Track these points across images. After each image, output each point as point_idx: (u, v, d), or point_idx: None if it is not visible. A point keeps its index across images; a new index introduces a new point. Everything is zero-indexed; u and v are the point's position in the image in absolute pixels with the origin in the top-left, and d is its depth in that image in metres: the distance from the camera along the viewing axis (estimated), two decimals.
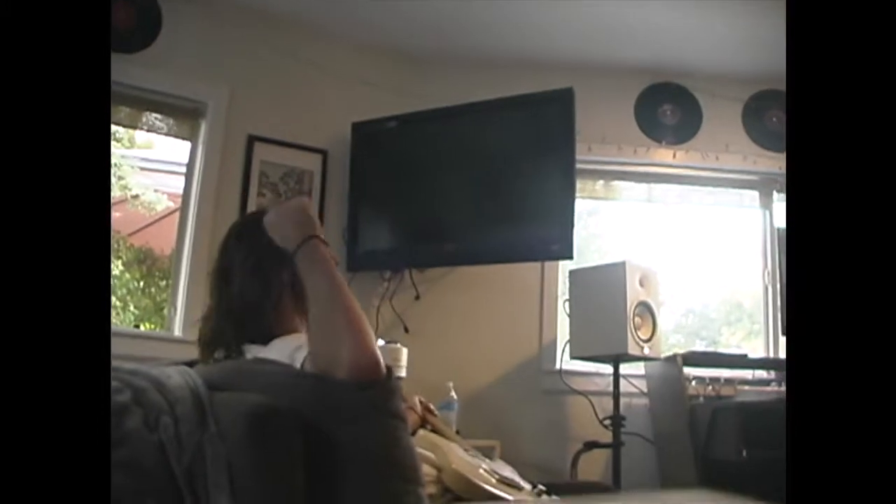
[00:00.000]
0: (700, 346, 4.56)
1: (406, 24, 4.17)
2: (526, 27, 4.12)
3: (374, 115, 4.11)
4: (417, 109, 4.08)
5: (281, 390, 1.62)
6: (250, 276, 1.91)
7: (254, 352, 1.87)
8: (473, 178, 3.95)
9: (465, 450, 2.36)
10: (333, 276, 1.72)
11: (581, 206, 4.53)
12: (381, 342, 3.54)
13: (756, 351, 4.40)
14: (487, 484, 2.14)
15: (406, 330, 4.02)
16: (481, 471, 2.23)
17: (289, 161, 4.11)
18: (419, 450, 1.98)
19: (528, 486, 2.31)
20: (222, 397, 1.62)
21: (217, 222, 3.89)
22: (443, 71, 4.41)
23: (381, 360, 1.59)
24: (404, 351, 3.61)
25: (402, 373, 3.55)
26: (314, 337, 1.71)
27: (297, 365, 1.71)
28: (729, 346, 4.67)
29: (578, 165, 3.84)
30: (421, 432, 2.23)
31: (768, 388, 3.42)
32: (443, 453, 2.13)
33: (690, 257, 4.70)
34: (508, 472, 2.41)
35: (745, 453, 3.16)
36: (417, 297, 4.13)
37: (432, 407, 2.44)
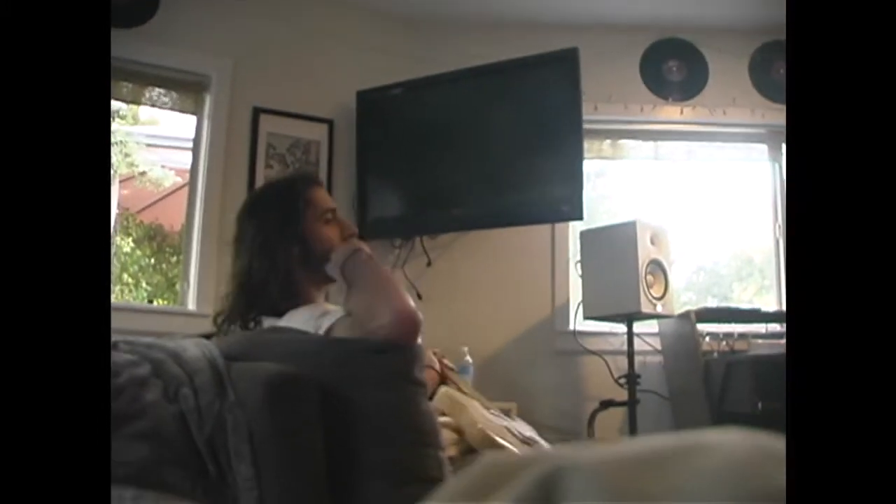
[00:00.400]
0: (712, 303, 4.56)
1: None
2: None
3: (379, 82, 4.08)
4: (422, 75, 4.05)
5: (300, 357, 1.64)
6: (259, 253, 1.94)
7: (269, 323, 1.90)
8: (480, 142, 3.93)
9: (487, 408, 2.37)
10: (376, 277, 1.82)
11: (589, 166, 4.51)
12: None
13: (768, 305, 4.40)
14: (512, 444, 2.15)
15: (419, 296, 4.03)
16: (505, 430, 2.24)
17: (295, 132, 4.10)
18: (441, 418, 2.01)
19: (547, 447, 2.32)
20: (240, 367, 1.64)
21: (225, 196, 3.89)
22: (445, 35, 4.38)
23: (421, 325, 1.64)
24: None
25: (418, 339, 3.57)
26: (355, 303, 1.76)
27: (322, 331, 1.73)
28: (741, 302, 4.66)
29: (585, 125, 3.82)
30: (442, 389, 2.23)
31: (781, 341, 3.42)
32: (466, 412, 2.13)
33: (700, 214, 4.69)
34: (529, 432, 2.42)
35: (760, 406, 3.18)
36: (429, 264, 4.13)
37: (449, 363, 2.45)
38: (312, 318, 1.77)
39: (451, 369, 2.45)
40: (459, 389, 2.39)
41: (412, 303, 1.66)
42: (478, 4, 4.27)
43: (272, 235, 1.95)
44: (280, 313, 1.88)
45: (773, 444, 0.54)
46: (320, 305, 1.89)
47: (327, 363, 1.63)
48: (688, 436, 0.56)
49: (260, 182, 3.96)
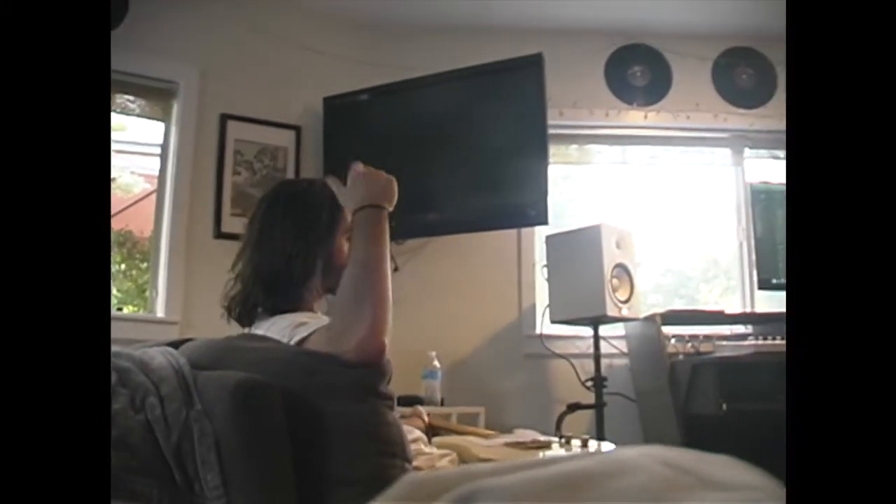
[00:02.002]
0: (679, 304, 4.60)
1: None
2: None
3: (346, 88, 4.10)
4: (389, 81, 4.08)
5: (268, 366, 1.65)
6: (289, 247, 1.91)
7: (259, 322, 1.91)
8: (447, 147, 3.96)
9: (485, 436, 2.41)
10: (380, 249, 1.79)
11: (556, 171, 4.55)
12: None
13: (733, 306, 4.46)
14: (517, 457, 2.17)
15: (395, 269, 4.04)
16: (505, 448, 2.26)
17: (262, 138, 4.12)
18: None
19: (554, 439, 2.34)
20: (207, 375, 1.65)
21: (193, 202, 3.90)
22: (411, 41, 4.41)
23: (386, 350, 1.63)
24: None
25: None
26: (334, 309, 1.75)
27: (293, 342, 1.73)
28: (707, 303, 4.70)
29: (551, 131, 3.85)
30: (436, 440, 2.25)
31: (745, 343, 3.46)
32: (465, 450, 2.16)
33: (666, 217, 4.73)
34: (532, 435, 2.45)
35: (724, 407, 3.21)
36: (396, 269, 4.07)
37: (427, 418, 2.51)
38: (289, 328, 1.77)
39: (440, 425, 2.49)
40: (451, 431, 2.44)
41: (384, 327, 1.64)
42: (443, 11, 4.30)
43: (308, 234, 1.94)
44: (275, 312, 1.89)
45: (691, 461, 0.57)
46: (304, 315, 1.87)
47: (295, 373, 1.64)
48: (606, 456, 0.58)
49: (227, 188, 3.97)
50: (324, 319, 1.80)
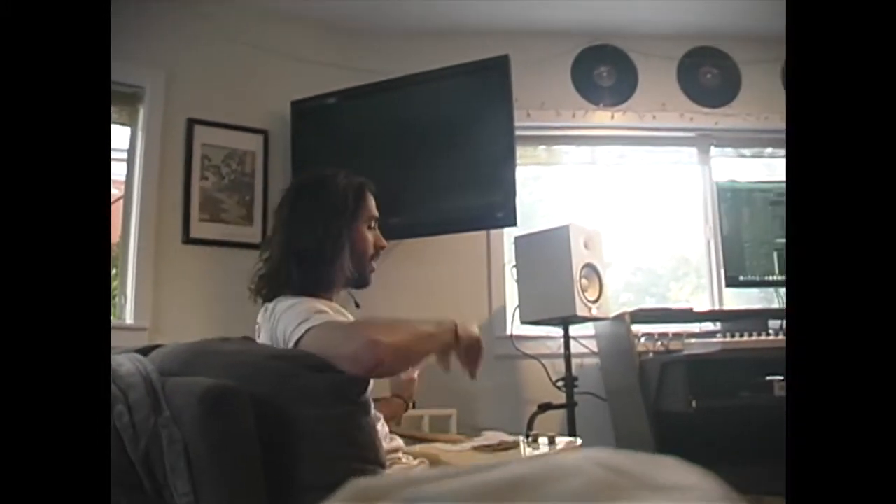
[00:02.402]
0: (650, 303, 4.63)
1: None
2: None
3: (314, 92, 4.09)
4: (356, 84, 4.07)
5: (240, 370, 1.65)
6: (316, 229, 2.07)
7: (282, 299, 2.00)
8: (416, 150, 3.95)
9: (454, 441, 2.42)
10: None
11: (525, 172, 4.57)
12: None
13: (703, 304, 4.49)
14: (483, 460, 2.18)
15: (357, 306, 4.02)
16: (473, 451, 2.27)
17: (230, 143, 4.09)
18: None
19: (521, 439, 2.36)
20: (176, 382, 1.64)
21: (161, 208, 3.88)
22: (378, 45, 4.40)
23: (380, 365, 1.72)
24: None
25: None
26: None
27: (294, 337, 1.79)
28: (678, 301, 4.73)
29: (518, 132, 3.87)
30: (408, 448, 2.26)
31: (713, 340, 3.48)
32: (435, 458, 2.17)
33: (636, 216, 4.76)
34: (499, 437, 2.47)
35: (694, 404, 3.23)
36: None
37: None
38: (294, 322, 1.83)
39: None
40: (421, 440, 2.45)
41: (387, 344, 1.73)
42: (410, 14, 4.30)
43: (336, 217, 2.09)
44: (302, 293, 2.00)
45: (630, 464, 0.57)
46: (323, 303, 1.96)
47: (266, 378, 1.64)
48: (547, 459, 0.59)
49: (196, 193, 3.94)
50: (331, 315, 1.87)
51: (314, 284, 2.04)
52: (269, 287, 2.08)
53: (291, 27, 4.31)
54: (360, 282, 2.22)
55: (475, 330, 2.11)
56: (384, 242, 2.26)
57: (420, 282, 4.19)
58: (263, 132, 4.16)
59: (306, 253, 2.04)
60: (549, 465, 0.58)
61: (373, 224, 2.23)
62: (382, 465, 1.69)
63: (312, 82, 4.12)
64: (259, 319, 2.08)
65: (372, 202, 2.23)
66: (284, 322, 1.86)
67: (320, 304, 1.92)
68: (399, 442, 2.15)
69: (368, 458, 1.64)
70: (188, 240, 3.92)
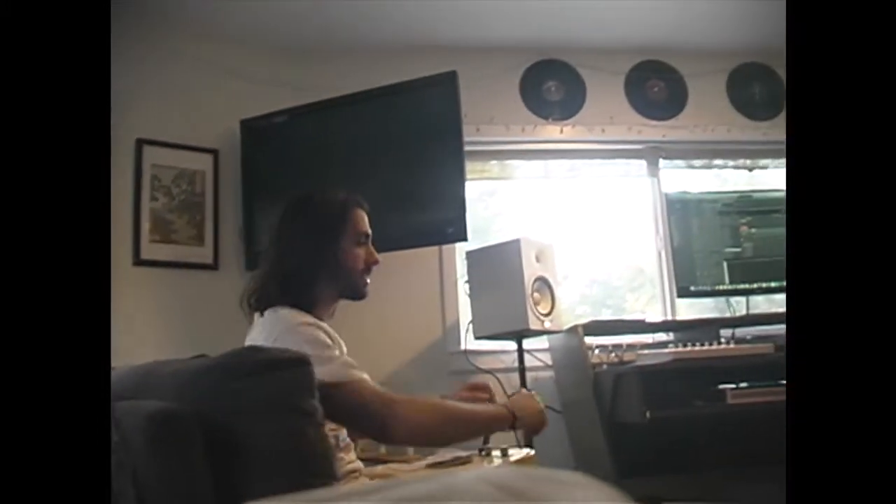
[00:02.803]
0: (606, 314, 4.65)
1: (289, 16, 4.13)
2: (406, 12, 4.15)
3: (262, 110, 4.08)
4: (306, 102, 4.07)
5: (184, 390, 1.63)
6: (295, 249, 2.16)
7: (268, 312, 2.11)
8: (366, 167, 3.94)
9: (409, 461, 2.42)
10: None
11: (479, 187, 4.60)
12: None
13: (659, 314, 4.52)
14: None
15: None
16: (427, 469, 2.28)
17: (179, 163, 4.05)
18: None
19: (475, 453, 2.35)
20: (124, 406, 1.62)
21: (112, 229, 3.83)
22: (329, 62, 4.39)
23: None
24: None
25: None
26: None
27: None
28: (634, 312, 4.76)
29: (470, 147, 3.88)
30: (365, 469, 2.26)
31: (665, 350, 3.51)
32: (391, 478, 2.17)
33: (590, 229, 4.78)
34: (453, 453, 2.47)
35: (648, 415, 3.25)
36: None
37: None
38: (269, 339, 1.94)
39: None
40: (378, 461, 2.46)
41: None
42: (358, 31, 4.30)
43: (317, 237, 2.18)
44: (298, 307, 2.09)
45: (526, 483, 0.57)
46: (306, 316, 2.05)
47: (208, 395, 1.62)
48: (443, 479, 0.59)
49: (146, 214, 3.91)
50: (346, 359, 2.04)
51: (301, 301, 2.11)
52: (257, 304, 2.16)
53: (239, 47, 4.28)
54: (354, 296, 2.32)
55: (535, 403, 2.22)
56: (376, 258, 2.34)
57: (373, 298, 4.12)
58: (213, 151, 4.14)
59: (291, 273, 2.12)
60: (443, 485, 0.57)
61: (362, 240, 2.30)
62: (335, 478, 1.67)
63: (261, 101, 4.11)
64: (251, 332, 2.14)
65: (360, 218, 2.31)
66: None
67: (320, 334, 2.02)
68: (356, 465, 2.15)
69: (318, 471, 1.62)
70: (139, 261, 3.87)
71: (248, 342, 2.08)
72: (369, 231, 2.34)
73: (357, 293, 2.31)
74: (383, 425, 1.89)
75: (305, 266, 2.14)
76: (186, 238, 4.00)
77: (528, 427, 2.17)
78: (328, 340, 2.03)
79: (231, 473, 1.55)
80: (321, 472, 1.62)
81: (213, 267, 4.01)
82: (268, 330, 2.03)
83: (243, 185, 4.08)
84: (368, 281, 2.33)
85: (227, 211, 4.09)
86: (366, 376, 2.01)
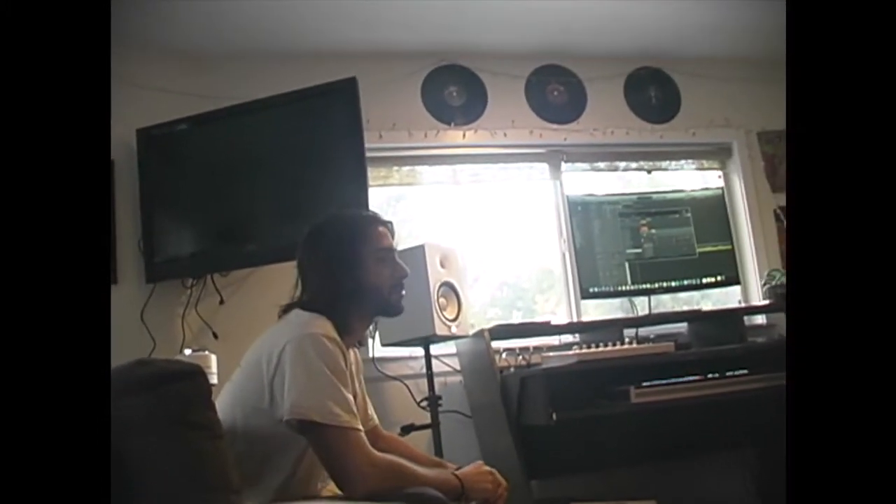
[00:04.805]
0: (517, 316, 4.68)
1: (184, 22, 4.04)
2: (305, 18, 4.11)
3: (158, 119, 3.99)
4: (202, 111, 3.99)
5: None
6: (317, 274, 2.30)
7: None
8: (268, 175, 3.89)
9: None
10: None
11: (387, 193, 4.59)
12: (188, 351, 3.47)
13: (566, 316, 4.56)
14: None
15: (215, 336, 3.95)
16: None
17: None
18: None
19: None
20: None
21: None
22: (229, 69, 4.32)
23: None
24: (213, 358, 3.50)
25: (214, 379, 3.47)
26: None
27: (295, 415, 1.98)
28: (544, 313, 4.79)
29: (374, 154, 3.86)
30: None
31: (570, 353, 3.53)
32: None
33: (498, 232, 4.80)
34: None
35: (554, 416, 3.26)
36: (222, 302, 4.04)
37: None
38: (308, 393, 1.99)
39: None
40: None
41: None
42: (259, 38, 4.24)
43: (333, 265, 2.25)
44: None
45: None
46: (328, 373, 2.03)
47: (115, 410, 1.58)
48: None
49: None
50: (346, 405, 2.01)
51: (334, 323, 2.15)
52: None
53: (134, 53, 4.16)
54: (388, 312, 2.37)
55: (487, 484, 2.27)
56: (404, 271, 2.36)
57: (277, 309, 4.11)
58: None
59: (310, 301, 2.24)
60: None
61: (386, 255, 2.33)
62: (235, 492, 1.64)
63: (157, 109, 4.02)
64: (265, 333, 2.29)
65: (380, 235, 2.34)
66: (296, 379, 2.00)
67: (339, 359, 2.06)
68: None
69: (217, 486, 1.59)
70: None
71: (259, 342, 2.21)
72: (393, 245, 2.38)
73: (390, 309, 2.35)
74: (350, 482, 1.93)
75: (333, 295, 2.20)
76: None
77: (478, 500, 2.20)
78: (342, 366, 2.07)
79: (127, 491, 1.51)
80: (217, 486, 1.60)
81: (112, 280, 3.88)
82: (289, 329, 2.14)
83: (141, 196, 3.96)
84: (403, 293, 2.36)
85: (125, 223, 3.98)
86: (357, 425, 2.01)
